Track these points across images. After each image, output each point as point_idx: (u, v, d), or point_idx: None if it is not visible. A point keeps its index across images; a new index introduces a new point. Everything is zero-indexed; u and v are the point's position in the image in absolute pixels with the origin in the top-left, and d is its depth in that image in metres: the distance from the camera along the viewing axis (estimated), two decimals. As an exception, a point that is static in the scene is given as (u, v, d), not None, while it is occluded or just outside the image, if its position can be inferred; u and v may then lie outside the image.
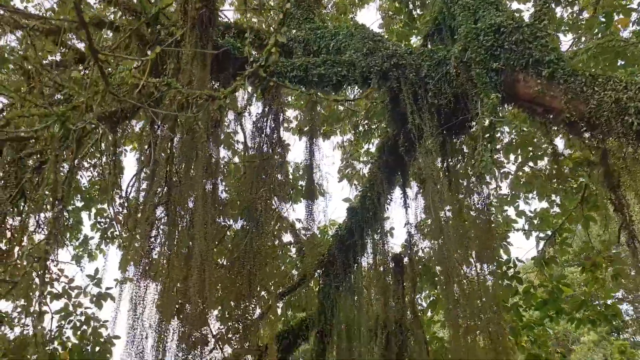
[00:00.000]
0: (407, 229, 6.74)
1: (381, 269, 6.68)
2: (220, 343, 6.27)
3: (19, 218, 6.70)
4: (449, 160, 6.21)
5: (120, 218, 9.36)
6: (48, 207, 4.54)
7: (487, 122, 4.97)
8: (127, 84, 4.04)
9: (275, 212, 6.07)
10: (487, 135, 4.98)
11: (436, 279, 8.61)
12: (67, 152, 4.26)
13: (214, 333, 5.65)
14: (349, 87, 6.22)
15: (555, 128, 5.54)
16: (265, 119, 5.95)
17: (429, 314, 9.22)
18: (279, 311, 8.81)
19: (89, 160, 9.45)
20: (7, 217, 6.92)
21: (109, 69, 4.33)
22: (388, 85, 5.96)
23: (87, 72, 5.99)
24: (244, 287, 4.90)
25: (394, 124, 6.40)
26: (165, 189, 4.79)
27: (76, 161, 4.61)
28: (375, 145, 11.00)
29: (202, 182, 4.93)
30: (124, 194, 5.05)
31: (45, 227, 4.48)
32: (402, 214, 7.27)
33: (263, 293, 5.80)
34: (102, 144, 5.98)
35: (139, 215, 4.76)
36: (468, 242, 6.00)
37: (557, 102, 5.07)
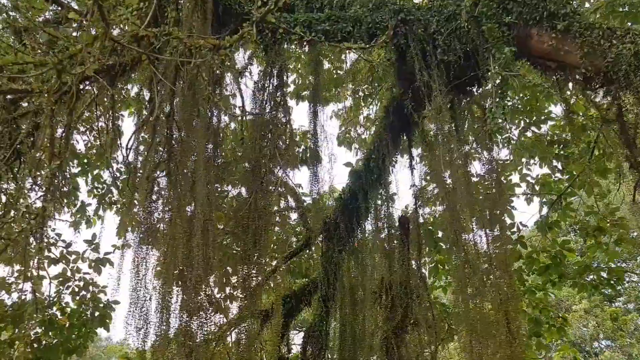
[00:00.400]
0: (413, 191, 6.62)
1: (386, 231, 6.57)
2: (222, 307, 6.18)
3: (15, 181, 6.54)
4: (457, 121, 6.03)
5: (118, 183, 9.20)
6: (44, 166, 4.35)
7: (499, 78, 4.80)
8: (127, 35, 3.83)
9: (278, 172, 5.89)
10: (500, 91, 4.81)
11: (440, 244, 8.55)
12: (64, 106, 4.07)
13: (217, 297, 5.55)
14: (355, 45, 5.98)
15: (570, 85, 5.35)
16: (268, 77, 5.74)
17: (431, 279, 9.16)
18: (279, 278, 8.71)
19: (85, 124, 9.24)
20: (2, 181, 6.75)
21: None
22: (395, 42, 5.75)
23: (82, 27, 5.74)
24: (249, 247, 4.77)
25: (401, 83, 6.20)
26: (165, 147, 4.61)
27: (73, 118, 4.41)
28: (377, 110, 10.81)
29: (204, 140, 4.76)
30: (123, 154, 4.87)
31: (42, 186, 4.31)
32: (403, 180, 7.10)
33: (263, 259, 5.65)
34: (99, 107, 5.76)
35: (140, 173, 4.60)
36: (477, 203, 5.88)
37: (572, 57, 4.89)
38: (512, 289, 5.20)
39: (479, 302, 5.31)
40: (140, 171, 4.87)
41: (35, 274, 4.99)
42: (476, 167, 7.65)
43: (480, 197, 6.25)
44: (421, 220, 7.13)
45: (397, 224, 6.64)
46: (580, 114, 8.78)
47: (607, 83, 4.71)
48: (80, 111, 5.55)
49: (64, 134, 4.24)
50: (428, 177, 7.91)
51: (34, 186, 4.43)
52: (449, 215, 6.00)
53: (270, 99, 5.64)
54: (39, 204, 4.47)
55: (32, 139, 5.57)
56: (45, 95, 3.73)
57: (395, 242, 6.52)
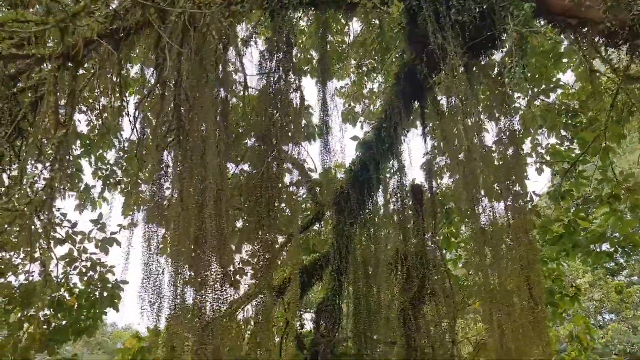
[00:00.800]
0: (426, 159, 6.45)
1: (399, 202, 6.41)
2: (234, 281, 6.06)
3: (17, 159, 6.37)
4: (472, 85, 5.83)
5: (123, 161, 9.04)
6: (50, 137, 4.17)
7: (518, 35, 4.61)
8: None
9: (288, 145, 5.71)
10: (519, 49, 4.62)
11: (452, 215, 8.42)
12: (67, 73, 3.89)
13: (229, 270, 5.41)
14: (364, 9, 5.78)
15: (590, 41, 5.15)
16: (275, 44, 5.54)
17: (443, 252, 9.04)
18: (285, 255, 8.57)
19: (86, 103, 9.06)
20: (4, 159, 6.59)
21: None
22: (407, 3, 5.54)
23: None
24: (263, 216, 4.62)
25: (413, 47, 5.99)
26: (174, 115, 4.43)
27: (77, 85, 4.23)
28: (384, 81, 10.61)
29: (213, 107, 4.59)
30: (130, 121, 4.68)
31: (48, 157, 4.14)
32: (413, 150, 6.91)
33: (277, 229, 5.48)
34: (104, 77, 5.55)
35: (148, 143, 4.44)
36: (492, 171, 5.73)
37: (594, 12, 4.70)
38: (533, 254, 5.06)
39: (497, 269, 5.19)
40: (149, 141, 4.71)
41: (44, 247, 4.84)
42: (488, 136, 7.45)
43: (489, 167, 6.10)
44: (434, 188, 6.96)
45: (410, 193, 6.48)
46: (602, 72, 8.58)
47: (632, 37, 4.51)
48: (83, 83, 5.36)
49: (68, 102, 4.06)
50: (438, 148, 7.77)
51: (40, 157, 4.26)
52: (462, 182, 5.85)
53: (279, 66, 5.45)
54: (44, 179, 4.30)
55: (34, 113, 5.40)
56: (47, 59, 3.55)
57: (409, 212, 6.36)
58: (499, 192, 5.65)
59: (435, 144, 7.74)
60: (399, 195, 6.44)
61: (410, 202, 6.39)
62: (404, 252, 6.00)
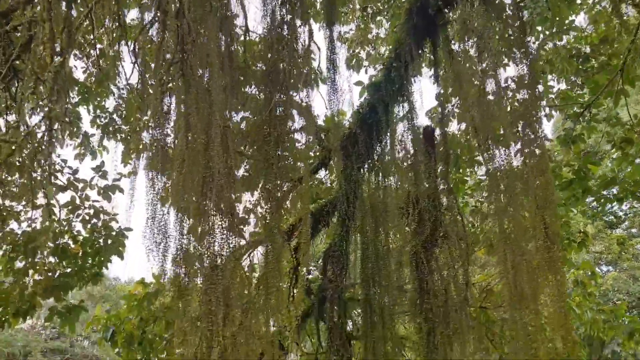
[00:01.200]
0: (439, 100, 6.22)
1: (410, 144, 6.21)
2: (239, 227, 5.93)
3: (13, 101, 6.15)
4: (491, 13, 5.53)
5: (122, 108, 8.80)
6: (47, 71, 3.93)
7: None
8: None
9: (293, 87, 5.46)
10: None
11: (460, 162, 8.25)
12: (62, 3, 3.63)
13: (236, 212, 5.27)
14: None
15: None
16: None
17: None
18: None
19: (83, 49, 8.75)
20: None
21: None
22: None
23: None
24: (272, 155, 4.44)
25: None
26: (177, 47, 4.19)
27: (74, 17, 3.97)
28: (391, 22, 10.25)
29: (217, 39, 4.34)
30: (130, 56, 4.44)
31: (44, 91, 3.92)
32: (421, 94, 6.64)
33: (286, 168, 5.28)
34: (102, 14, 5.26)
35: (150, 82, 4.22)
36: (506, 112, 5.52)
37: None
38: (549, 194, 4.91)
39: (513, 209, 5.05)
40: (150, 79, 4.49)
41: (46, 181, 4.69)
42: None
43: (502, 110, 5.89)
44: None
45: (422, 135, 6.28)
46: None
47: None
48: (80, 19, 5.08)
49: (64, 31, 3.81)
50: (446, 93, 7.52)
51: (36, 89, 4.03)
52: (475, 125, 5.65)
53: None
54: (42, 111, 4.10)
55: (28, 52, 5.14)
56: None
57: (420, 155, 6.17)
58: (514, 134, 5.47)
59: (444, 89, 7.48)
60: (410, 137, 6.24)
61: (421, 145, 6.19)
62: (416, 195, 5.84)
